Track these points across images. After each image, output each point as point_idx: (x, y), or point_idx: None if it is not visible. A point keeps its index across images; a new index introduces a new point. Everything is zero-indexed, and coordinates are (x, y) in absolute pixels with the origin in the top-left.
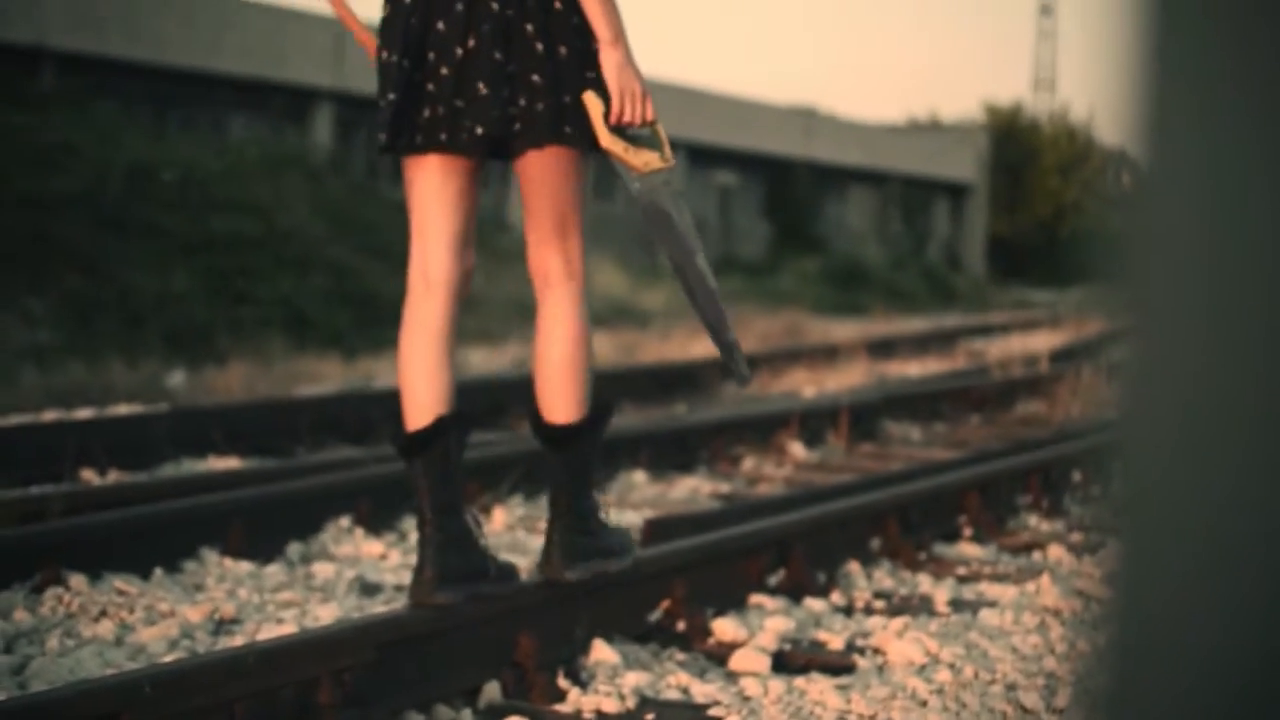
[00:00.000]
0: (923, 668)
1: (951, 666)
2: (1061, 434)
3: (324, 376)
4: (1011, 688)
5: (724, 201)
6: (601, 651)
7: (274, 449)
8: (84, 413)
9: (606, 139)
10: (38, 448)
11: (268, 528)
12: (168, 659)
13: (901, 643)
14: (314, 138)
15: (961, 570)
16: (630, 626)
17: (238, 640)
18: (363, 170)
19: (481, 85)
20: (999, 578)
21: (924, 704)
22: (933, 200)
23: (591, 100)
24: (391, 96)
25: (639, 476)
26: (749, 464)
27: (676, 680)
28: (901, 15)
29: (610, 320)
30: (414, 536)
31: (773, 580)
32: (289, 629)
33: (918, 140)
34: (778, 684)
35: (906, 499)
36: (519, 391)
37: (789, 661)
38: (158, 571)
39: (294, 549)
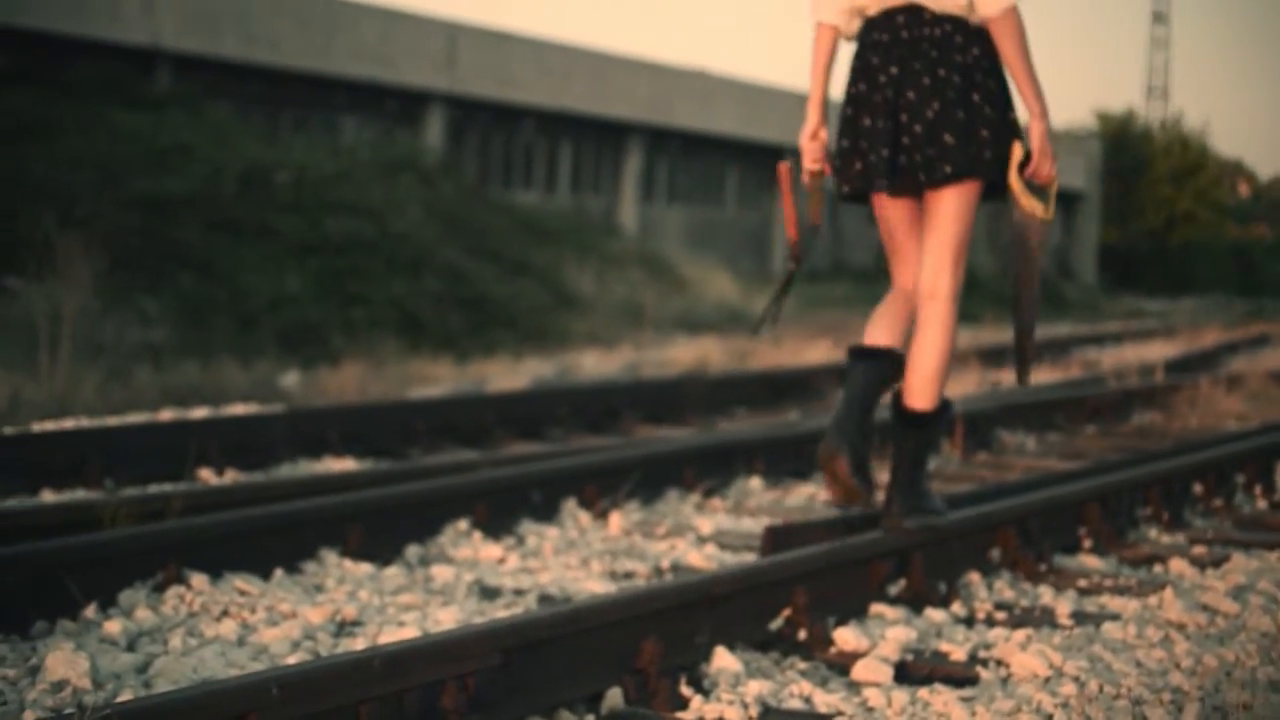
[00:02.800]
0: (1047, 680)
1: (1076, 680)
2: (1181, 446)
3: (436, 379)
4: (1138, 703)
5: (834, 208)
6: (724, 659)
7: (389, 451)
8: (200, 412)
9: (1015, 181)
10: (156, 447)
11: (386, 530)
12: (292, 660)
13: (1024, 655)
14: (426, 140)
15: (1082, 582)
16: (752, 634)
17: (359, 642)
18: (474, 174)
19: (948, 137)
20: (1120, 590)
21: (1049, 717)
22: None
23: (1018, 149)
24: (883, 151)
25: (755, 483)
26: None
27: (799, 689)
28: None
29: (722, 326)
30: (531, 541)
31: (893, 590)
32: (410, 632)
33: None
34: (901, 695)
35: (1026, 509)
36: (632, 396)
37: (911, 672)
38: (278, 572)
39: (413, 551)
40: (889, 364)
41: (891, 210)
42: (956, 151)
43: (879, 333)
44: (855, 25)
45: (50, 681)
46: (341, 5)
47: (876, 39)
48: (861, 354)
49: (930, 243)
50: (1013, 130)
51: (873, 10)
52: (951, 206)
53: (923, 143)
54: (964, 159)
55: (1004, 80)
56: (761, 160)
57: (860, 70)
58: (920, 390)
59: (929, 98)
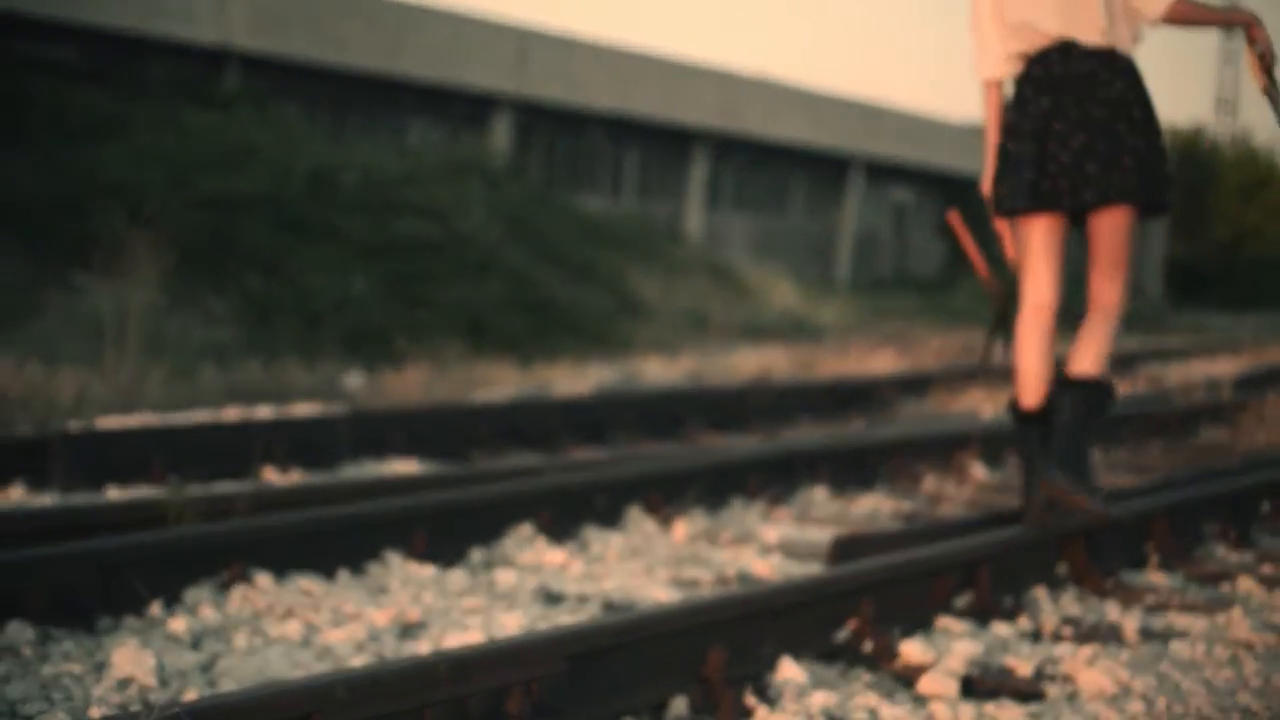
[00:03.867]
0: (1114, 698)
1: (1144, 698)
2: (1249, 463)
3: (500, 382)
4: None
5: (899, 219)
6: (789, 670)
7: (453, 454)
8: (265, 412)
9: (1260, 80)
10: (221, 446)
11: (450, 533)
12: (357, 662)
13: (1092, 671)
14: (493, 144)
15: (1149, 599)
16: (818, 645)
17: (423, 645)
18: (541, 178)
19: (1091, 166)
20: (1188, 608)
21: None
22: None
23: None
24: (1027, 175)
25: (820, 493)
26: (930, 483)
27: (864, 701)
28: None
29: (786, 334)
30: (595, 547)
31: (960, 602)
32: (474, 636)
33: None
34: (967, 709)
35: (1092, 524)
36: (697, 403)
37: (978, 686)
38: (342, 573)
39: (476, 555)
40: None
41: (1030, 230)
42: (1099, 179)
43: (1032, 380)
44: (1017, 68)
45: (116, 679)
46: (410, 8)
47: (1032, 74)
48: (1028, 419)
49: (1097, 261)
50: (1160, 156)
51: (1030, 50)
52: (1108, 228)
53: (1068, 170)
54: (1106, 186)
55: (1150, 110)
56: (827, 169)
57: (1016, 101)
58: (1087, 359)
59: (1075, 129)
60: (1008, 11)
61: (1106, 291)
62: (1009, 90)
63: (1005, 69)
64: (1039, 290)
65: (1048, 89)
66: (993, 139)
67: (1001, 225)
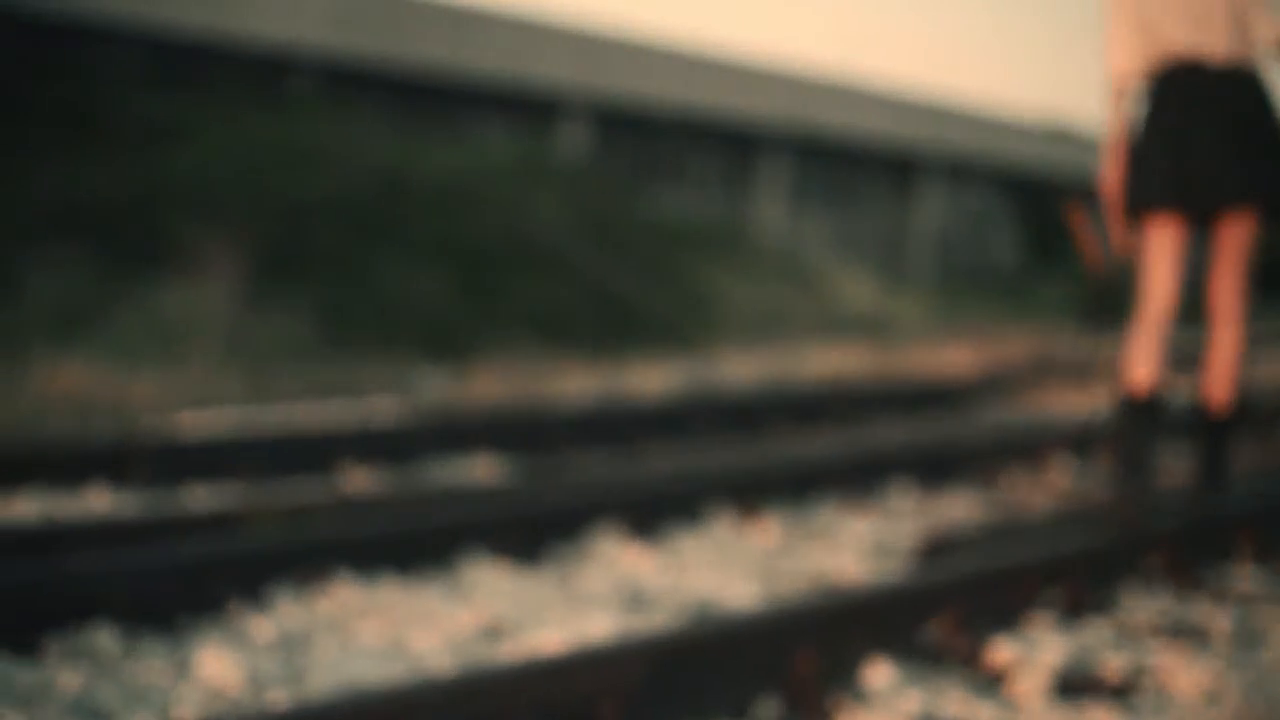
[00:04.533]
0: (1206, 698)
1: (1236, 699)
2: None
3: (577, 381)
4: None
5: (975, 217)
6: (878, 671)
7: (532, 453)
8: (342, 412)
9: None
10: (301, 447)
11: (533, 534)
12: (442, 667)
13: (1185, 672)
14: (568, 145)
15: (1245, 599)
16: (906, 646)
17: (508, 649)
18: (614, 177)
19: (1219, 171)
20: None
21: None
22: None
23: None
24: (1158, 174)
25: (904, 491)
26: (1016, 482)
27: (954, 702)
28: None
29: (863, 332)
30: (680, 548)
31: (1050, 601)
32: (560, 639)
33: None
34: (1058, 709)
35: (1185, 523)
36: (776, 402)
37: (1070, 686)
38: (426, 576)
39: (560, 557)
40: (1159, 413)
41: (1155, 229)
42: (1231, 181)
43: (1144, 370)
44: (1148, 67)
45: (200, 683)
46: (483, 8)
47: (1164, 74)
48: (1135, 411)
49: (1221, 263)
50: None
51: (1161, 52)
52: (1235, 231)
53: (1200, 171)
54: (1237, 188)
55: (1275, 120)
56: (902, 167)
57: (1148, 101)
58: (1222, 385)
59: (1207, 131)
60: (1140, 12)
61: (1228, 294)
62: (1137, 88)
63: (1136, 66)
64: (1160, 287)
65: (1180, 91)
66: (1119, 136)
67: (1118, 220)
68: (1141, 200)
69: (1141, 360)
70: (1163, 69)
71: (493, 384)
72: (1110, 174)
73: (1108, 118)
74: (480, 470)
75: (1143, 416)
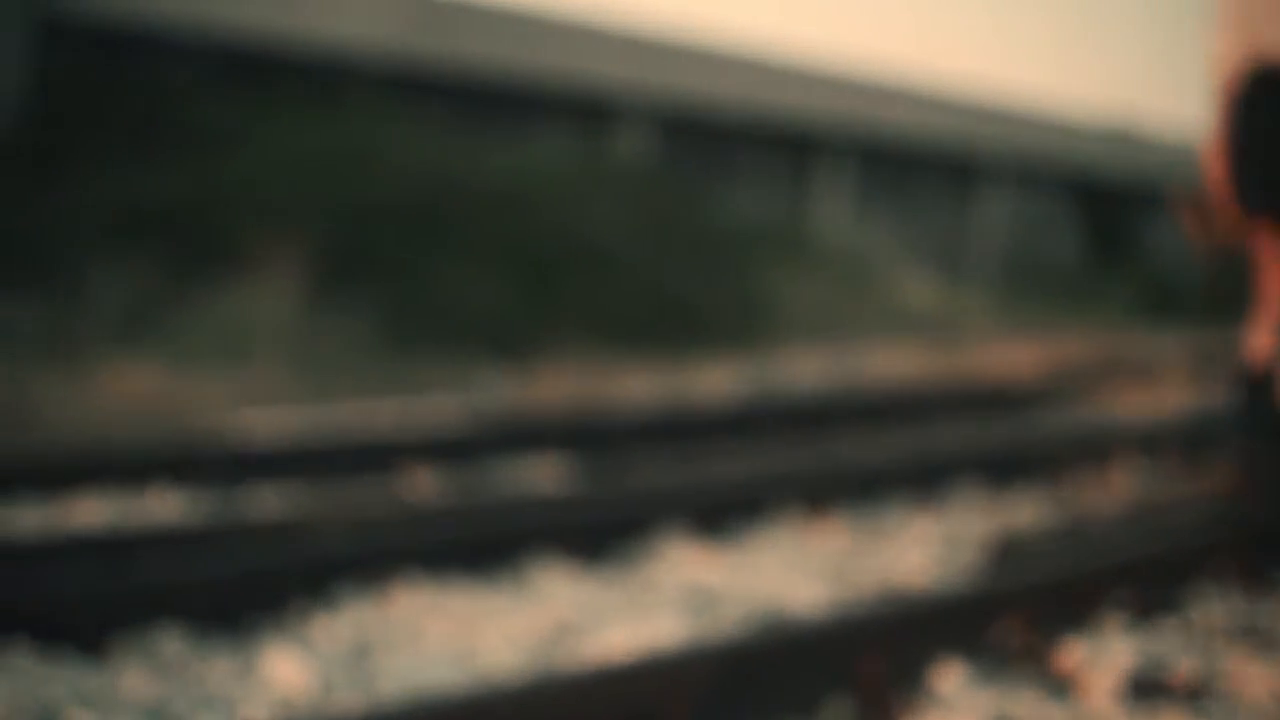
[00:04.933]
0: None
1: None
2: None
3: (639, 385)
4: None
5: (1040, 219)
6: (947, 674)
7: (597, 454)
8: (407, 414)
9: None
10: (368, 450)
11: (599, 535)
12: (509, 670)
13: (1259, 675)
14: (631, 148)
15: None
16: (976, 648)
17: (575, 651)
18: (675, 180)
19: None
20: None
21: None
22: None
23: None
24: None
25: (971, 493)
26: (1085, 482)
27: (1025, 704)
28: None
29: (925, 333)
30: (746, 550)
31: (1122, 603)
32: (626, 641)
33: None
34: (1130, 711)
35: (1259, 526)
36: (840, 403)
37: (1141, 688)
38: (494, 578)
39: (628, 559)
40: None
41: (1263, 239)
42: None
43: (1263, 350)
44: (1250, 72)
45: (269, 687)
46: (549, 13)
47: (1266, 81)
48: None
49: None
50: None
51: (1266, 57)
52: None
53: None
54: None
55: None
56: (963, 168)
57: (1250, 109)
58: None
59: None
60: (1248, 13)
61: None
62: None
63: (1241, 67)
64: (1261, 334)
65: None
66: (1225, 132)
67: (1228, 218)
68: (1247, 204)
69: (1265, 346)
70: (1267, 72)
71: (555, 386)
72: (1215, 174)
73: (1213, 119)
74: (544, 471)
75: (1262, 398)
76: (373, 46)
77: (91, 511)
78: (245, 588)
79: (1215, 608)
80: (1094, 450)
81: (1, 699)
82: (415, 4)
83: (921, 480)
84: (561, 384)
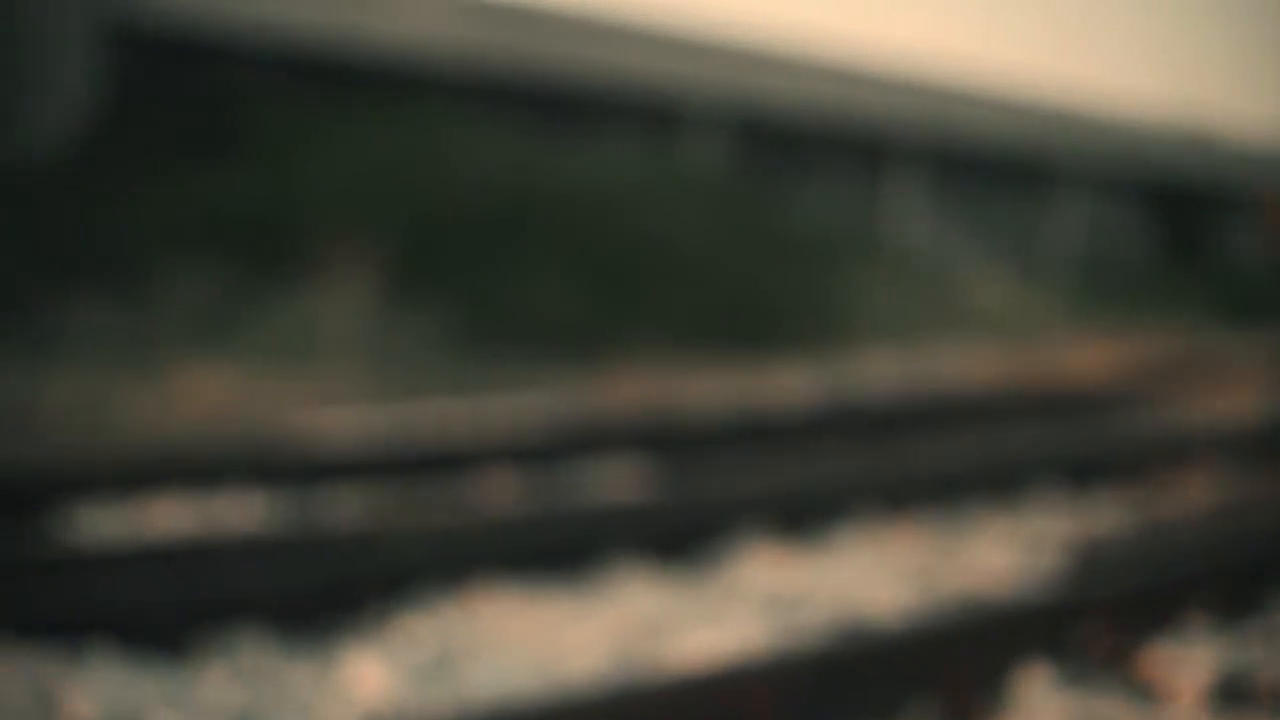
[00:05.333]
0: None
1: None
2: None
3: (715, 388)
4: None
5: (1114, 222)
6: (1030, 679)
7: (675, 456)
8: (479, 418)
9: None
10: (445, 453)
11: (682, 540)
12: (591, 674)
13: None
14: (707, 154)
15: None
16: (1059, 653)
17: (656, 655)
18: (750, 185)
19: None
20: None
21: None
22: None
23: None
24: None
25: (1055, 497)
26: (1165, 486)
27: (1110, 708)
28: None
29: (999, 335)
30: (826, 555)
31: (1208, 608)
32: (707, 644)
33: None
34: (1216, 716)
35: None
36: (916, 405)
37: (1228, 693)
38: (576, 582)
39: (708, 562)
40: None
41: None
42: None
43: None
44: None
45: (352, 692)
46: (620, 19)
47: None
48: None
49: None
50: None
51: None
52: None
53: None
54: None
55: None
56: (1037, 172)
57: None
58: None
59: None
60: None
61: None
62: None
63: None
64: None
65: None
66: None
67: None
68: None
69: None
70: None
71: (631, 389)
72: None
73: None
74: (621, 474)
75: None
76: (443, 52)
77: (170, 514)
78: (326, 593)
79: None
80: (1173, 452)
81: (89, 701)
82: (487, 10)
83: (1000, 483)
84: (637, 387)
